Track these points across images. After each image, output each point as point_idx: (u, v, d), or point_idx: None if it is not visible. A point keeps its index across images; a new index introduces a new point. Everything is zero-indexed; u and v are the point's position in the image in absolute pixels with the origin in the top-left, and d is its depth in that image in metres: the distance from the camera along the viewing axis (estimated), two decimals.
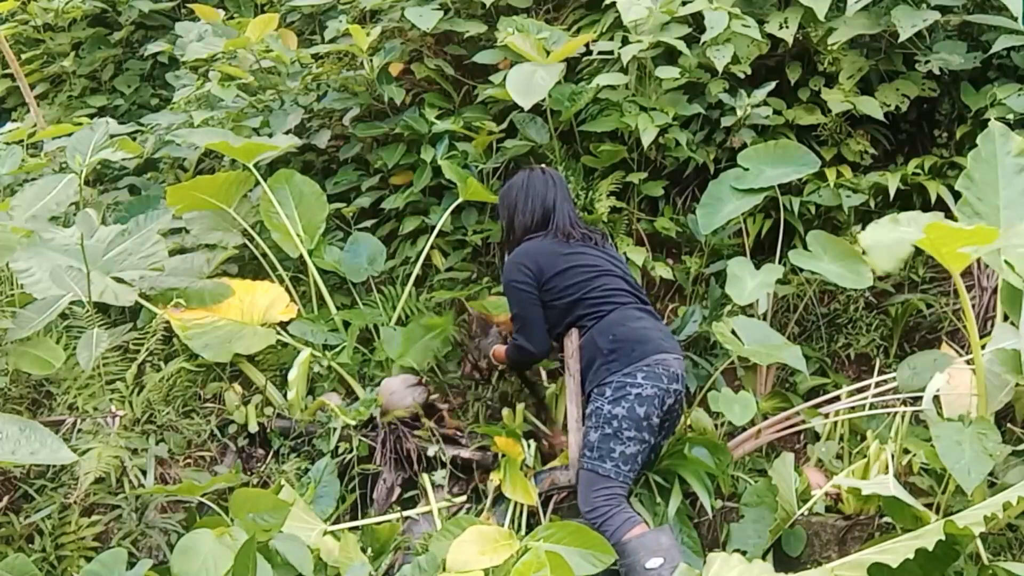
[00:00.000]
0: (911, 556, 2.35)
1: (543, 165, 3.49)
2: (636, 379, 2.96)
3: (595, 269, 3.16)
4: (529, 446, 3.37)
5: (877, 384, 3.35)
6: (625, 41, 3.72)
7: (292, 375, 3.53)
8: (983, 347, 2.91)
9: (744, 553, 3.04)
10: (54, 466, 2.96)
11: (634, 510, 2.97)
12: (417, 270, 3.94)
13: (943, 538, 2.36)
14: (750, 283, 3.38)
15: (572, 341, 3.15)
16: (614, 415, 2.94)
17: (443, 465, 3.43)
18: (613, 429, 2.93)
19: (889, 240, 2.63)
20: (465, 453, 3.44)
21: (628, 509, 2.91)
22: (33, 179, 4.14)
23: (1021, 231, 2.64)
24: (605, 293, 3.13)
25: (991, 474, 2.70)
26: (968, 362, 3.01)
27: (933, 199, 3.69)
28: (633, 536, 2.81)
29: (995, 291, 3.32)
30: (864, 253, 2.74)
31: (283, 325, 3.68)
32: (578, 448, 3.10)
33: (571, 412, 3.16)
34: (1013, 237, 2.64)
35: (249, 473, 3.38)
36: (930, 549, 2.35)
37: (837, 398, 3.46)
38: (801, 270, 3.63)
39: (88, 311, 3.24)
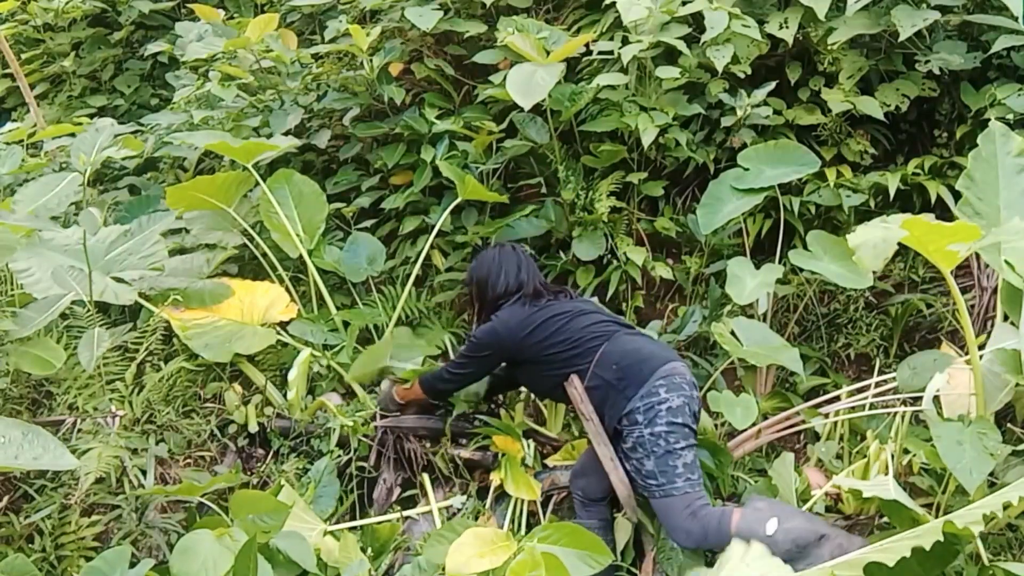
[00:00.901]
0: (908, 555, 2.34)
1: (512, 243, 3.51)
2: (660, 395, 2.90)
3: (569, 313, 3.15)
4: (528, 445, 3.37)
5: (877, 384, 3.35)
6: (625, 41, 3.72)
7: (292, 375, 3.53)
8: (983, 346, 2.92)
9: None
10: None
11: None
12: (417, 270, 3.94)
13: (941, 539, 2.36)
14: (750, 283, 3.38)
15: (577, 387, 3.05)
16: (657, 435, 2.86)
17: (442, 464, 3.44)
18: (664, 448, 2.85)
19: (876, 239, 2.64)
20: (465, 453, 3.44)
21: (712, 507, 2.82)
22: (33, 179, 4.14)
23: (1011, 228, 2.63)
24: (588, 330, 3.11)
25: (991, 474, 2.70)
26: (968, 362, 3.01)
27: (933, 199, 3.69)
28: (736, 523, 2.73)
29: (995, 291, 3.32)
30: (853, 253, 2.75)
31: (283, 325, 3.68)
32: (626, 486, 3.00)
33: (602, 453, 3.01)
34: (1002, 234, 2.64)
35: (249, 473, 3.38)
36: (927, 549, 2.35)
37: (837, 398, 3.46)
38: (801, 270, 3.63)
39: (89, 311, 3.24)
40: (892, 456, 2.99)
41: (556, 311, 3.16)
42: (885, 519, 2.93)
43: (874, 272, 3.36)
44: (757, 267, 3.45)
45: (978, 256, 3.41)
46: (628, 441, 2.92)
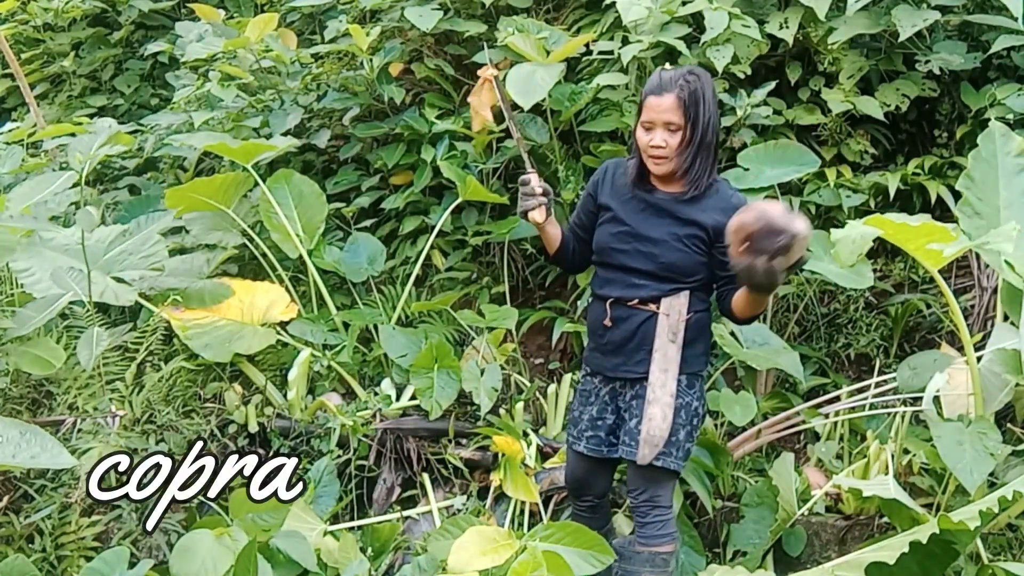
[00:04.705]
0: (906, 550, 2.35)
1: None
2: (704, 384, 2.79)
3: None
4: (529, 445, 3.37)
5: (877, 384, 3.35)
6: (625, 41, 3.72)
7: (292, 375, 3.53)
8: (983, 346, 2.92)
9: (745, 554, 3.05)
10: None
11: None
12: (417, 270, 3.94)
13: (937, 532, 2.36)
14: None
15: (684, 306, 2.62)
16: (700, 415, 2.73)
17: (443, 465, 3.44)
18: (694, 427, 2.71)
19: (854, 234, 2.64)
20: (465, 453, 3.44)
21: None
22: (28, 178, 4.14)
23: (1003, 232, 2.63)
24: None
25: (992, 474, 2.70)
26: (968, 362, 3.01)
27: (933, 199, 3.69)
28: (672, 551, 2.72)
29: (995, 291, 3.32)
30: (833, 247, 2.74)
31: (283, 325, 3.68)
32: (665, 425, 2.60)
33: (662, 383, 2.61)
34: (993, 237, 2.64)
35: None
36: (924, 542, 2.36)
37: (837, 398, 3.46)
38: (801, 270, 3.63)
39: (88, 311, 3.24)
40: (892, 456, 3.00)
41: None
42: (885, 519, 2.93)
43: (874, 272, 3.36)
44: None
45: (978, 256, 3.41)
46: (678, 399, 2.63)
